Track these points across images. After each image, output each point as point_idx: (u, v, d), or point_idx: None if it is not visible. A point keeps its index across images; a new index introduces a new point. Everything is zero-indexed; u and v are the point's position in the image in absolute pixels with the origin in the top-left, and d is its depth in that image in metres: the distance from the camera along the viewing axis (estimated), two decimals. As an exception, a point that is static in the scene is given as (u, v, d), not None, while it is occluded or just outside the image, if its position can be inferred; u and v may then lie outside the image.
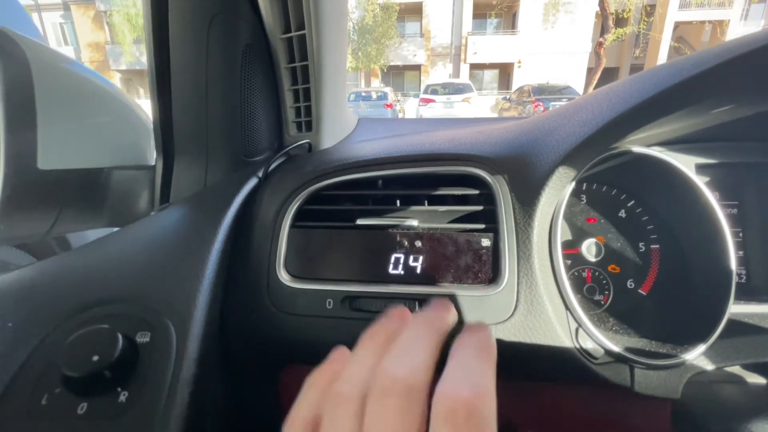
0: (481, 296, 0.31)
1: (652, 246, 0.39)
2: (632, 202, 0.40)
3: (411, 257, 0.34)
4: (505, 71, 17.38)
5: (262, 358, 0.37)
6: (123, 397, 0.23)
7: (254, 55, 0.44)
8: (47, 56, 0.39)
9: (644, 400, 0.32)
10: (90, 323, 0.25)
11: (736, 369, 0.34)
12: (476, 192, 0.35)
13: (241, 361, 0.33)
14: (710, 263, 0.35)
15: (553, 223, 0.34)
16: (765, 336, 0.34)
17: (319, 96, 0.46)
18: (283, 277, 0.34)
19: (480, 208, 0.35)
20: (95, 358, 0.22)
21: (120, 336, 0.24)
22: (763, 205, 0.39)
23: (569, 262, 0.39)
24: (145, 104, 0.51)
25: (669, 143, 0.37)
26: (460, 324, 0.26)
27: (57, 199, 0.40)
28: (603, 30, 9.14)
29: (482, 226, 0.34)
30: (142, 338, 0.25)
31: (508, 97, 11.10)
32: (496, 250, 0.33)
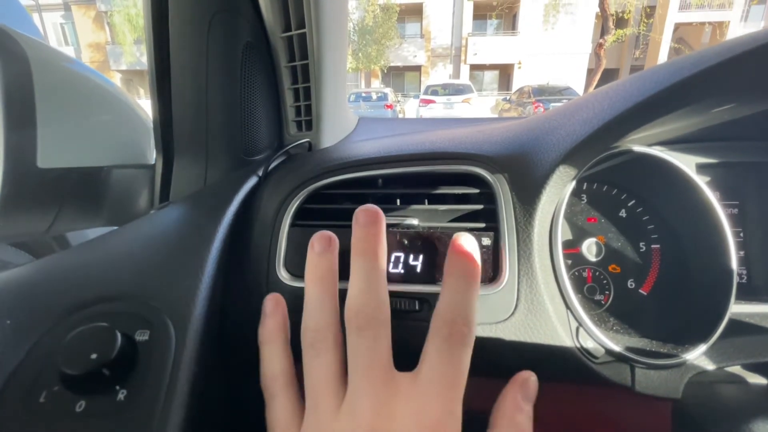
0: (481, 295, 0.31)
1: (652, 246, 0.39)
2: (633, 201, 0.40)
3: (411, 256, 0.34)
4: (505, 72, 17.40)
5: None
6: (121, 395, 0.23)
7: (254, 53, 0.44)
8: (48, 55, 0.39)
9: (645, 400, 0.32)
10: (88, 321, 0.25)
11: (736, 369, 0.34)
12: (476, 191, 0.35)
13: (241, 360, 0.33)
14: (711, 263, 0.35)
15: (553, 223, 0.34)
16: (766, 336, 0.34)
17: (319, 95, 0.46)
18: (283, 275, 0.34)
19: (480, 207, 0.35)
20: (94, 356, 0.22)
21: (119, 334, 0.23)
22: (763, 204, 0.39)
23: (570, 261, 0.39)
24: (145, 104, 0.51)
25: (670, 143, 0.37)
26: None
27: (56, 198, 0.40)
28: (603, 31, 9.15)
29: (482, 225, 0.34)
30: (141, 336, 0.25)
31: (508, 98, 11.11)
32: (496, 249, 0.33)
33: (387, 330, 0.26)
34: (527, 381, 0.28)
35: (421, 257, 0.33)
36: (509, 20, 16.67)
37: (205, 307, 0.28)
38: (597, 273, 0.39)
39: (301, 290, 0.31)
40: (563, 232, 0.37)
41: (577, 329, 0.32)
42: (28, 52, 0.36)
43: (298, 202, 0.37)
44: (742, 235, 0.40)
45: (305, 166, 0.40)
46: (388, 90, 10.24)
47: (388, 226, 0.35)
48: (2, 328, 0.25)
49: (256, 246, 0.36)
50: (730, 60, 0.25)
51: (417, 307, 0.32)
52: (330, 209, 0.37)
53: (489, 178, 0.35)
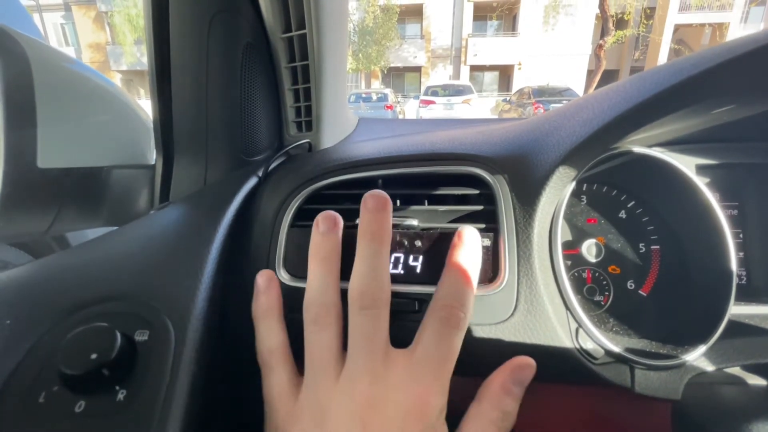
0: (480, 296, 0.31)
1: (652, 247, 0.39)
2: (632, 202, 0.40)
3: (411, 257, 0.34)
4: (505, 73, 17.42)
5: None
6: (121, 395, 0.23)
7: (255, 54, 0.44)
8: (48, 54, 0.39)
9: (644, 401, 0.32)
10: (88, 321, 0.25)
11: (736, 370, 0.34)
12: (476, 192, 0.35)
13: (241, 360, 0.33)
14: (711, 264, 0.35)
15: (553, 223, 0.34)
16: (765, 337, 0.34)
17: (319, 96, 0.46)
18: (283, 276, 0.34)
19: (480, 207, 0.35)
20: (93, 356, 0.22)
21: (119, 334, 0.23)
22: (763, 206, 0.39)
23: (569, 262, 0.39)
24: (145, 104, 0.51)
25: (670, 144, 0.37)
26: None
27: (56, 198, 0.40)
28: (603, 32, 9.16)
29: (482, 225, 0.34)
30: (141, 337, 0.25)
31: (508, 98, 11.13)
32: (496, 249, 0.33)
33: (386, 311, 0.28)
34: (522, 366, 0.28)
35: (420, 258, 0.33)
36: (509, 21, 16.69)
37: (205, 308, 0.28)
38: (597, 274, 0.39)
39: (301, 291, 0.31)
40: (563, 233, 0.37)
41: (577, 330, 0.32)
42: (28, 52, 0.36)
43: (298, 203, 0.37)
44: (741, 236, 0.40)
45: (305, 166, 0.40)
46: (388, 91, 10.25)
47: None
48: (2, 328, 0.25)
49: (256, 246, 0.36)
50: (730, 61, 0.25)
51: (416, 308, 0.32)
52: (330, 210, 0.37)
53: (489, 178, 0.35)
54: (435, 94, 9.73)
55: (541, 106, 7.98)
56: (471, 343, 0.31)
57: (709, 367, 0.32)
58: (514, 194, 0.34)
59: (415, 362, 0.26)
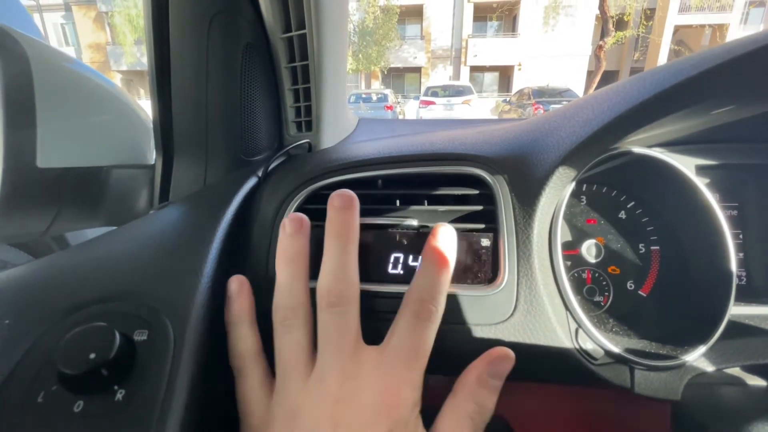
0: (480, 296, 0.31)
1: (652, 247, 0.39)
2: (632, 203, 0.40)
3: (410, 257, 0.34)
4: (505, 74, 17.43)
5: None
6: (120, 395, 0.23)
7: (254, 54, 0.44)
8: (48, 55, 0.39)
9: (644, 401, 0.32)
10: (87, 321, 0.25)
11: (736, 371, 0.34)
12: (476, 192, 0.35)
13: None
14: (710, 265, 0.35)
15: (553, 224, 0.33)
16: (765, 338, 0.34)
17: (319, 96, 0.46)
18: None
19: (480, 208, 0.35)
20: (92, 355, 0.22)
21: (117, 334, 0.23)
22: (763, 206, 0.39)
23: (569, 263, 0.39)
24: (145, 104, 0.51)
25: (669, 144, 0.37)
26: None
27: (56, 198, 0.40)
28: (603, 33, 9.17)
29: (482, 226, 0.34)
30: (140, 336, 0.25)
31: (508, 99, 11.13)
32: (495, 250, 0.33)
33: (355, 307, 0.28)
34: (499, 358, 0.28)
35: (420, 258, 0.33)
36: (509, 22, 16.70)
37: (204, 308, 0.28)
38: (596, 274, 0.39)
39: None
40: (563, 234, 0.37)
41: (577, 330, 0.32)
42: (28, 52, 0.36)
43: (297, 203, 0.37)
44: (741, 236, 0.40)
45: (305, 166, 0.40)
46: (388, 91, 10.26)
47: (388, 226, 0.35)
48: (0, 327, 0.25)
49: (256, 246, 0.36)
50: (730, 62, 0.25)
51: None
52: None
53: (488, 179, 0.35)
54: (435, 94, 9.74)
55: (541, 106, 7.98)
56: (470, 343, 0.31)
57: (709, 368, 0.32)
58: (513, 194, 0.34)
59: (386, 356, 0.26)
